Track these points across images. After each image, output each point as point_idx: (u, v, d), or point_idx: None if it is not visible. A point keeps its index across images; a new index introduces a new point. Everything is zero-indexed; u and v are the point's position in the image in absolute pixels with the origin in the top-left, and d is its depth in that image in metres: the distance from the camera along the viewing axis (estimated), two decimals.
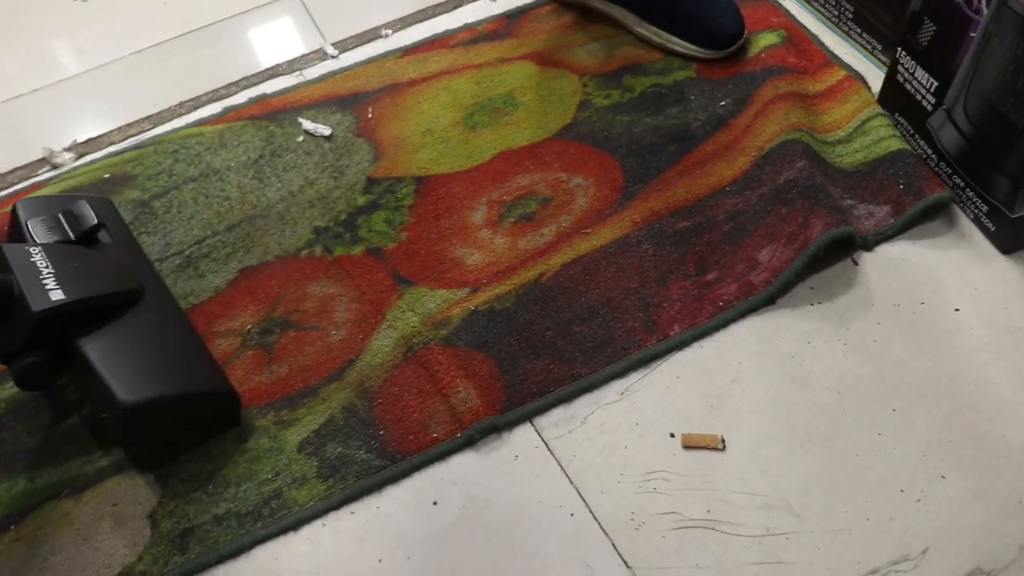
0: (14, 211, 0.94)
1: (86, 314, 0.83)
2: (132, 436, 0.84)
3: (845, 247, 0.95)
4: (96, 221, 0.93)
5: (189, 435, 0.87)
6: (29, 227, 0.91)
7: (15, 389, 0.93)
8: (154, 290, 0.92)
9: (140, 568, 0.79)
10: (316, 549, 0.80)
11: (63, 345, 0.83)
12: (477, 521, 0.81)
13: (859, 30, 1.16)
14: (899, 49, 1.00)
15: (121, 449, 0.87)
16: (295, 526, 0.81)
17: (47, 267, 0.84)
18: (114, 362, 0.81)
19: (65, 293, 0.82)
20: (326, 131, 1.12)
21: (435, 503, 0.82)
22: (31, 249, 0.85)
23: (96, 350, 0.82)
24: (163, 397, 0.81)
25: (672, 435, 0.85)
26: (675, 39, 1.16)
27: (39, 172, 1.16)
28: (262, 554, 0.80)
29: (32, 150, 1.18)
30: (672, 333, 0.91)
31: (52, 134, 1.20)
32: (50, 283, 0.82)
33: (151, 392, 0.81)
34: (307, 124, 1.13)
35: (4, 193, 1.14)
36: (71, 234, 0.92)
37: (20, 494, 0.85)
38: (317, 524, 0.82)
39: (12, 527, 0.83)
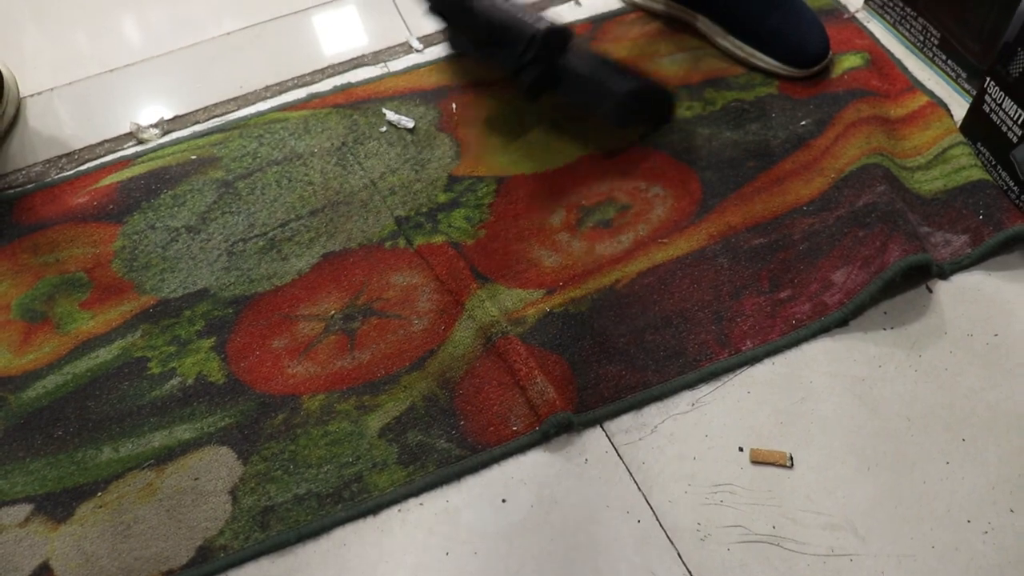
0: None
1: (557, 42, 1.08)
2: (624, 119, 1.09)
3: (921, 274, 0.96)
4: None
5: (652, 121, 1.14)
6: None
7: (102, 358, 0.95)
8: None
9: (221, 542, 0.82)
10: (386, 537, 0.82)
11: (551, 64, 1.08)
12: (545, 521, 0.82)
13: (944, 57, 1.16)
14: (987, 79, 1.00)
15: (203, 424, 0.89)
16: (375, 510, 0.84)
17: (518, 11, 1.09)
18: (597, 70, 1.07)
19: (545, 24, 1.07)
20: (409, 123, 1.14)
21: (504, 500, 0.84)
22: (495, 2, 1.11)
23: (581, 64, 1.08)
24: (641, 87, 1.08)
25: (741, 449, 0.86)
26: (759, 54, 1.17)
27: (125, 146, 1.19)
28: (335, 538, 0.83)
29: (121, 124, 1.22)
30: (744, 348, 0.92)
31: (141, 109, 1.23)
32: (530, 19, 1.07)
33: (634, 84, 1.07)
34: (391, 115, 1.15)
35: (92, 165, 1.17)
36: None
37: (104, 463, 0.88)
38: (394, 510, 0.84)
39: (98, 494, 0.86)
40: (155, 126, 1.21)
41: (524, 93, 1.08)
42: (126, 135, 1.20)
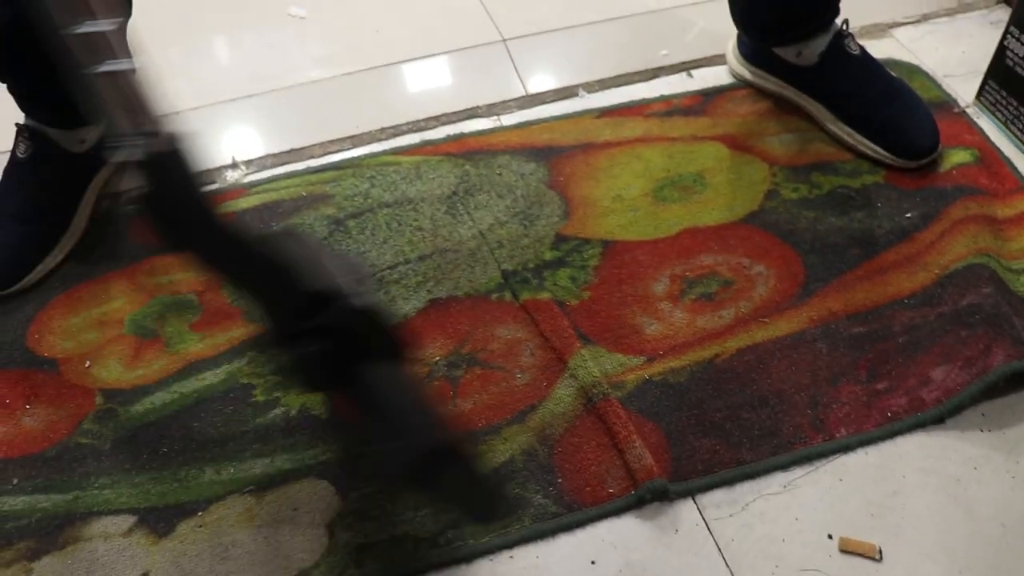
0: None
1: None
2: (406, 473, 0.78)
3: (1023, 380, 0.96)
4: None
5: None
6: None
7: (208, 381, 0.98)
8: None
9: (316, 574, 0.84)
10: None
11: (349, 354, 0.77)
12: None
13: None
14: None
15: (304, 456, 0.92)
16: (468, 559, 0.85)
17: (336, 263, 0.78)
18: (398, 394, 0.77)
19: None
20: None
21: (593, 562, 0.85)
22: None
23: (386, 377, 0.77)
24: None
25: (830, 536, 0.86)
26: (868, 143, 1.18)
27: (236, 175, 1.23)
28: None
29: (239, 152, 1.25)
30: (838, 435, 0.92)
31: (258, 139, 1.27)
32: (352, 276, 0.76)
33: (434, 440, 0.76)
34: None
35: (207, 190, 1.20)
36: None
37: (206, 483, 0.90)
38: (484, 561, 0.85)
39: (199, 513, 0.88)
40: (233, 167, 1.24)
41: (286, 374, 0.81)
42: (242, 163, 1.24)
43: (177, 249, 0.73)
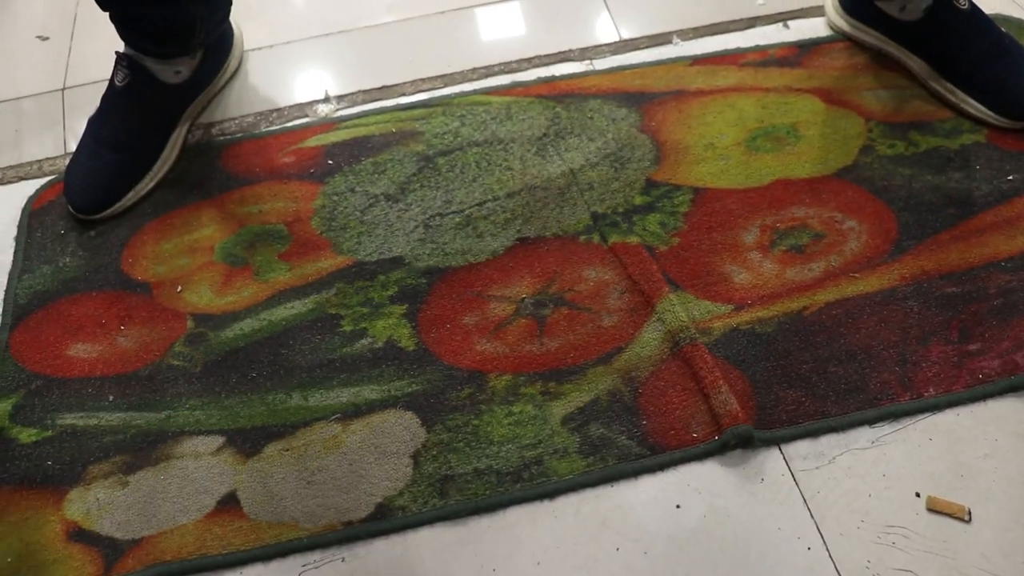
0: None
1: None
2: None
3: None
4: None
5: None
6: None
7: (296, 310, 1.00)
8: None
9: (400, 503, 0.85)
10: (560, 524, 0.84)
11: None
12: (716, 533, 0.83)
13: None
14: None
15: (391, 387, 0.92)
16: (552, 495, 0.86)
17: None
18: None
19: None
20: None
21: (678, 506, 0.85)
22: None
23: None
24: None
25: (918, 495, 0.85)
26: (972, 101, 1.15)
27: (314, 109, 1.23)
28: (511, 516, 0.85)
29: (332, 87, 1.26)
30: (926, 394, 0.91)
31: (350, 75, 1.27)
32: None
33: None
34: None
35: (298, 123, 1.23)
36: None
37: (293, 408, 0.92)
38: (570, 499, 0.86)
39: (285, 437, 0.90)
40: (325, 101, 1.24)
41: None
42: (333, 98, 1.25)
43: None
